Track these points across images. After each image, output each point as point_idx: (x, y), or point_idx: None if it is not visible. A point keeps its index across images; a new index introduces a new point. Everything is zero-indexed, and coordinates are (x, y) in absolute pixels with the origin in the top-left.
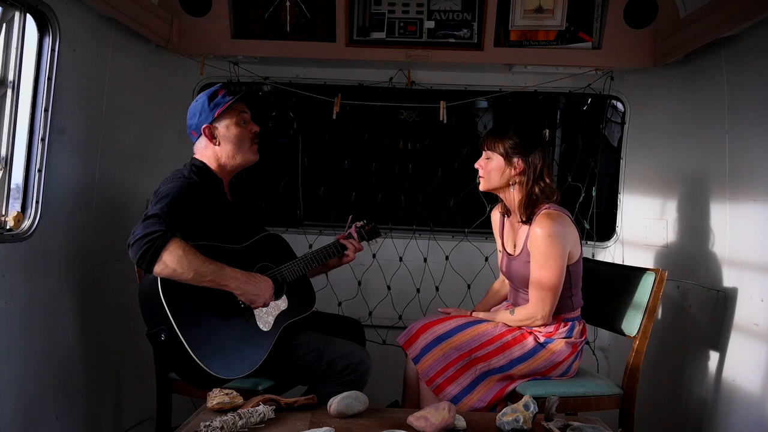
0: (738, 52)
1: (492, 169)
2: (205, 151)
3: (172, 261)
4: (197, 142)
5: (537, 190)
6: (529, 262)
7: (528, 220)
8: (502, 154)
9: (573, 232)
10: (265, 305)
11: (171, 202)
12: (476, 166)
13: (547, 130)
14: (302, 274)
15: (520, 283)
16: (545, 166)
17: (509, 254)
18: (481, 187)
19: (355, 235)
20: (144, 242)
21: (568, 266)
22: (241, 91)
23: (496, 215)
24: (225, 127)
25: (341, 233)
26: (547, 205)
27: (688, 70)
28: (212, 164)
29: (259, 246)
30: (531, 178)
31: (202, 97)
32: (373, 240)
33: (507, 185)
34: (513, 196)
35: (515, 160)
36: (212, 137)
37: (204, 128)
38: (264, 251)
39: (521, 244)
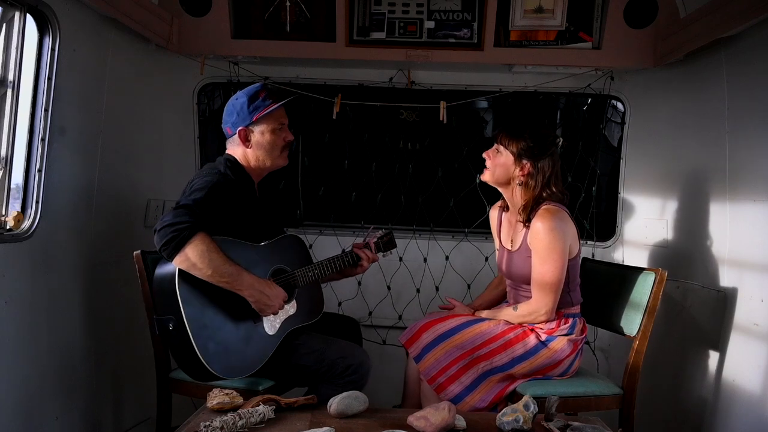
0: (738, 52)
1: (499, 163)
2: (237, 149)
3: (193, 255)
4: (230, 139)
5: (545, 195)
6: (530, 257)
7: (528, 221)
8: (513, 153)
9: (572, 228)
10: (274, 314)
11: (204, 196)
12: (484, 155)
13: (561, 139)
14: (315, 280)
15: (521, 280)
16: (554, 173)
17: (508, 250)
18: (483, 177)
19: (372, 246)
20: (171, 230)
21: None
22: (280, 93)
23: (494, 212)
24: (260, 133)
25: (357, 242)
26: (546, 202)
27: (688, 70)
28: (243, 162)
29: (277, 247)
30: (539, 183)
31: (242, 97)
32: (389, 252)
33: (509, 183)
34: (516, 195)
35: (524, 161)
36: (246, 140)
37: (240, 130)
38: (281, 253)
39: (520, 239)
